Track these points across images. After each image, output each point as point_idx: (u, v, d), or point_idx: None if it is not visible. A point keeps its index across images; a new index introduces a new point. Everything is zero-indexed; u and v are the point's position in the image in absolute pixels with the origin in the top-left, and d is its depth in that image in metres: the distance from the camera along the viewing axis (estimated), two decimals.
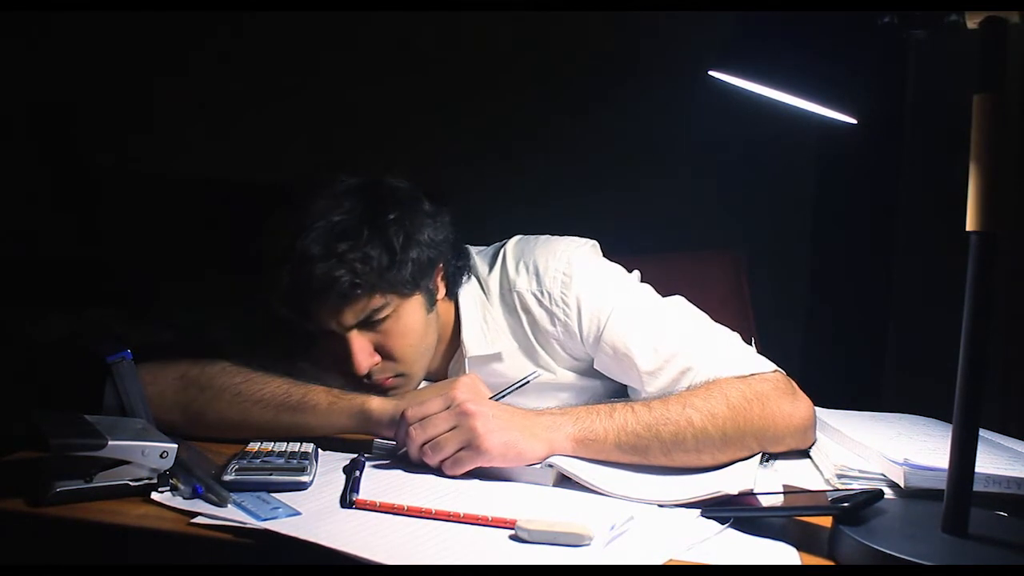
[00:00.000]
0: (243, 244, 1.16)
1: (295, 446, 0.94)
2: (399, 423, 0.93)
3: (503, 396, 0.99)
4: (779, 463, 1.00)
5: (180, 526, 0.74)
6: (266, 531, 0.72)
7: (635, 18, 1.96)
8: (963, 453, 0.70)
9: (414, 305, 1.08)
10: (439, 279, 1.13)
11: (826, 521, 0.77)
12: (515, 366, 1.14)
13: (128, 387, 0.94)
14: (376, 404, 0.98)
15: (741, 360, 1.02)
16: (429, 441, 0.89)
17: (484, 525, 0.76)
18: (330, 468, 0.91)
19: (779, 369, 1.03)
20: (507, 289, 1.15)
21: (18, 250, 2.09)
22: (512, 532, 0.73)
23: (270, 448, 0.93)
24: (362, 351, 1.03)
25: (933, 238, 1.63)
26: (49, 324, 1.94)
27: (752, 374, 0.99)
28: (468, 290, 1.17)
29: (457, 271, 1.16)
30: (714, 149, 1.90)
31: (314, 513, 0.77)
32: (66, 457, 0.78)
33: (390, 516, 0.78)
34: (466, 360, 1.14)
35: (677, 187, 1.94)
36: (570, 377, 1.16)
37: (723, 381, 0.97)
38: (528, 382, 0.95)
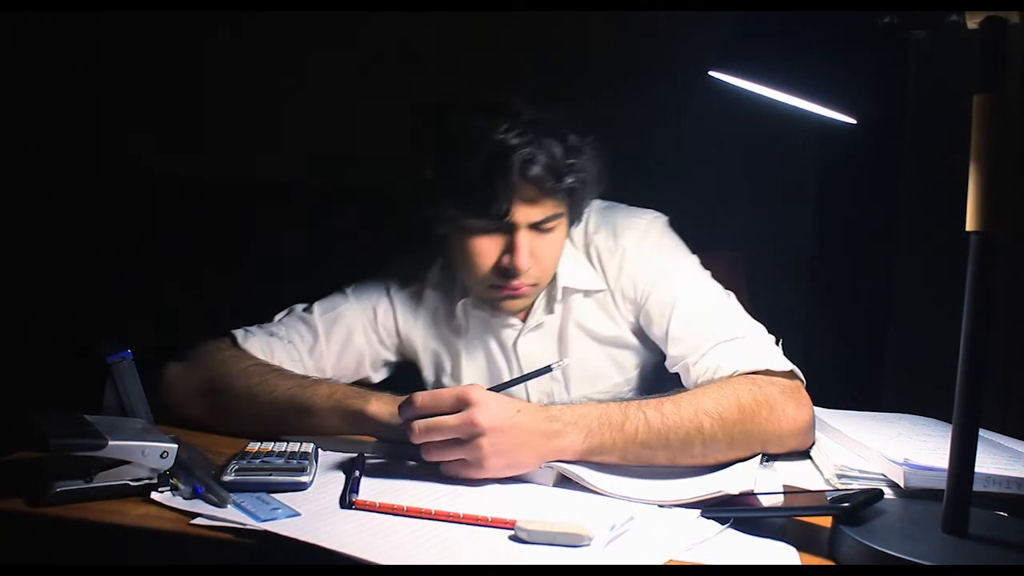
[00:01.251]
0: (238, 245, 1.17)
1: (295, 446, 0.94)
2: (406, 405, 0.89)
3: (517, 384, 0.97)
4: (779, 463, 1.00)
5: (180, 526, 0.74)
6: (266, 532, 0.72)
7: (635, 18, 1.95)
8: (963, 453, 0.71)
9: (567, 224, 1.18)
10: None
11: (826, 521, 0.77)
12: (590, 311, 1.24)
13: (128, 387, 0.94)
14: (374, 407, 0.98)
15: (761, 354, 1.04)
16: (432, 442, 0.87)
17: (484, 526, 0.76)
18: (330, 468, 0.91)
19: (795, 369, 1.03)
20: (587, 243, 1.24)
21: (19, 250, 2.09)
22: (512, 532, 0.73)
23: (270, 448, 0.93)
24: (526, 249, 1.11)
25: (933, 238, 1.63)
26: (49, 324, 1.95)
27: (767, 370, 1.01)
28: None
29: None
30: (714, 149, 1.90)
31: (313, 514, 0.77)
32: (66, 457, 0.78)
33: (390, 516, 0.78)
34: (559, 289, 1.22)
35: (677, 187, 1.93)
36: (631, 337, 1.25)
37: (736, 381, 0.99)
38: (551, 370, 0.94)
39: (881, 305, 1.80)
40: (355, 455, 0.94)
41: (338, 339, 1.22)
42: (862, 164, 1.83)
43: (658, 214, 1.27)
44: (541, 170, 1.07)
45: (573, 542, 0.72)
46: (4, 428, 0.89)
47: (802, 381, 1.04)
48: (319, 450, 0.95)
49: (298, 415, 1.01)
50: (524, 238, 1.11)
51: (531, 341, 1.25)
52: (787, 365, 1.03)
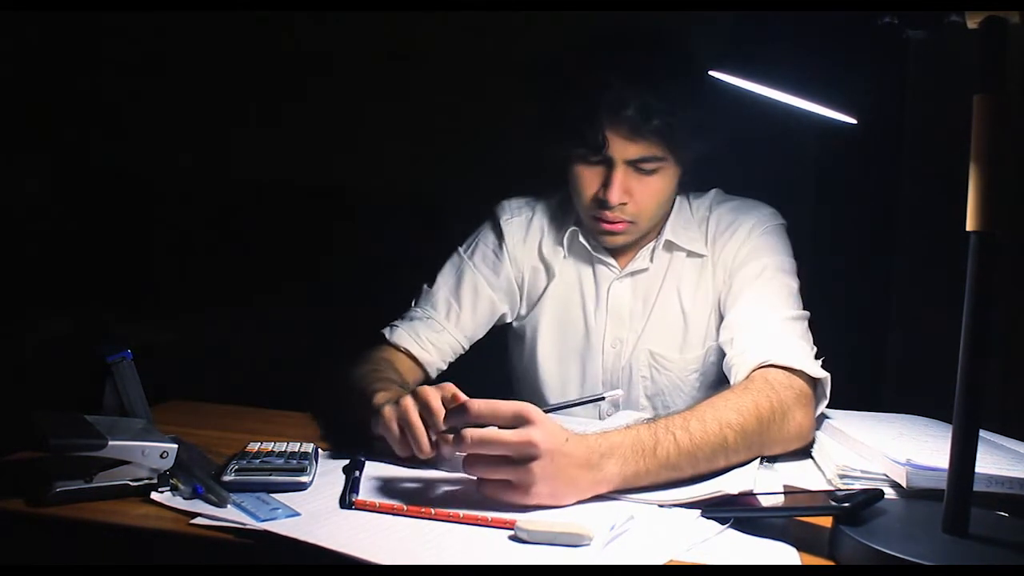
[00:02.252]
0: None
1: (295, 446, 0.94)
2: (457, 411, 0.83)
3: (568, 408, 0.94)
4: (780, 463, 1.00)
5: (180, 526, 0.74)
6: (265, 532, 0.72)
7: (635, 18, 1.95)
8: (963, 453, 0.70)
9: (672, 173, 1.24)
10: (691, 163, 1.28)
11: (827, 521, 0.77)
12: (687, 276, 1.30)
13: (128, 387, 0.94)
14: (379, 398, 1.00)
15: (796, 354, 1.05)
16: (479, 455, 0.82)
17: (484, 526, 0.75)
18: (330, 468, 0.91)
19: (824, 383, 1.05)
20: (708, 212, 1.33)
21: (18, 250, 2.09)
22: (512, 533, 0.73)
23: (270, 448, 0.93)
24: (620, 185, 1.19)
25: (933, 238, 1.63)
26: (49, 324, 1.95)
27: (797, 369, 1.03)
28: (680, 197, 1.34)
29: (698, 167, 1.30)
30: (714, 149, 1.89)
31: (313, 514, 0.77)
32: (66, 457, 0.78)
33: (389, 516, 0.78)
34: (662, 241, 1.30)
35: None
36: (714, 316, 1.29)
37: (756, 385, 0.99)
38: (603, 399, 0.93)
39: (881, 305, 1.80)
40: (355, 455, 0.94)
41: (467, 296, 1.33)
42: (862, 164, 1.83)
43: (778, 213, 1.33)
44: (632, 111, 1.14)
45: (573, 542, 0.72)
46: (4, 428, 0.90)
47: (825, 396, 1.05)
48: (319, 450, 0.95)
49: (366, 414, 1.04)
50: (620, 174, 1.19)
51: (624, 288, 1.33)
52: (819, 373, 1.04)
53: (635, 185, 1.21)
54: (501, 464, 0.81)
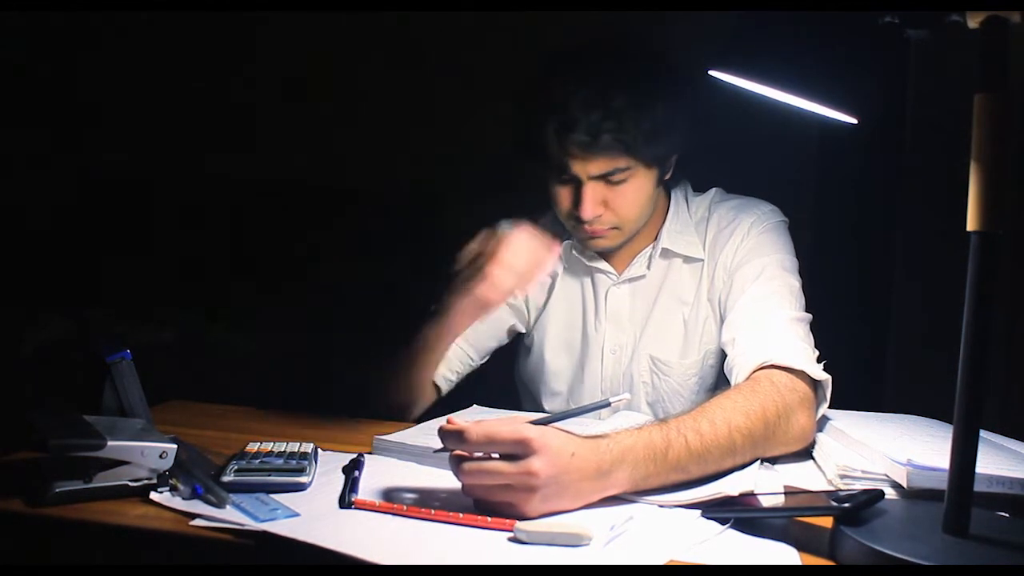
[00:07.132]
0: None
1: (294, 446, 0.94)
2: (454, 435, 0.80)
3: (572, 416, 0.92)
4: (780, 464, 1.00)
5: (179, 527, 0.74)
6: (265, 532, 0.72)
7: (635, 18, 1.95)
8: (963, 453, 0.70)
9: (646, 176, 1.22)
10: (673, 160, 1.28)
11: (827, 522, 0.76)
12: (685, 282, 1.30)
13: (128, 387, 0.94)
14: None
15: (797, 355, 1.05)
16: (477, 483, 0.80)
17: (483, 527, 0.75)
18: (329, 468, 0.91)
19: (825, 385, 1.05)
20: (708, 213, 1.32)
21: (19, 250, 2.09)
22: (511, 534, 0.73)
23: (269, 448, 0.93)
24: (592, 200, 1.19)
25: (933, 238, 1.63)
26: (49, 324, 1.95)
27: (799, 370, 1.03)
28: (678, 198, 1.33)
29: (688, 157, 1.29)
30: (714, 149, 1.90)
31: (313, 514, 0.77)
32: (65, 457, 0.77)
33: (389, 517, 0.78)
34: (658, 248, 1.30)
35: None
36: (713, 320, 1.28)
37: (762, 388, 0.99)
38: (609, 404, 0.92)
39: (881, 305, 1.80)
40: (355, 455, 0.94)
41: None
42: (862, 164, 1.83)
43: (778, 210, 1.32)
44: (580, 132, 1.14)
45: (573, 542, 0.72)
46: (4, 428, 0.89)
47: (825, 399, 1.05)
48: (318, 450, 0.95)
49: None
50: (589, 190, 1.19)
51: (622, 293, 1.33)
52: (821, 376, 1.04)
53: (608, 195, 1.20)
54: (500, 490, 0.78)
